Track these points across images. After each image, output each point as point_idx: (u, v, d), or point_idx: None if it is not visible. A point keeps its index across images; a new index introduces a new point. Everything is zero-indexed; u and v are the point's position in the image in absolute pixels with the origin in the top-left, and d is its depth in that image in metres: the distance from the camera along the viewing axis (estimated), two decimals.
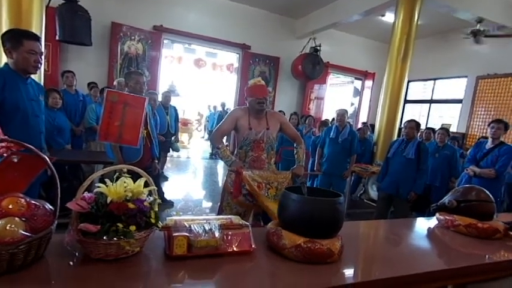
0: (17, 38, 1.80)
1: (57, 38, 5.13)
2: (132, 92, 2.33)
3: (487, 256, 1.40)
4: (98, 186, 0.96)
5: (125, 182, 0.98)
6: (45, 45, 3.44)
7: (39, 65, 1.89)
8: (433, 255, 1.42)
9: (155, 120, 3.82)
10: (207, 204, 4.57)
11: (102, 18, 5.77)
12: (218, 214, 2.29)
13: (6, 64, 1.87)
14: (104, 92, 2.91)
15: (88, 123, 3.91)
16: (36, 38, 1.87)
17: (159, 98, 4.61)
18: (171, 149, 5.03)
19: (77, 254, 0.92)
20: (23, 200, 0.88)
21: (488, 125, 3.26)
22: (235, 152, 2.32)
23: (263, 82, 2.28)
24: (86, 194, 0.95)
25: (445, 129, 4.27)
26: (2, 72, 1.83)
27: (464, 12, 5.45)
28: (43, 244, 0.86)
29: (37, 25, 3.22)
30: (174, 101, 5.37)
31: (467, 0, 5.29)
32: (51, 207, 0.93)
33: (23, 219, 0.84)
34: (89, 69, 5.81)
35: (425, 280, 1.16)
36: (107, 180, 0.97)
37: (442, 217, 1.71)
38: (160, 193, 3.98)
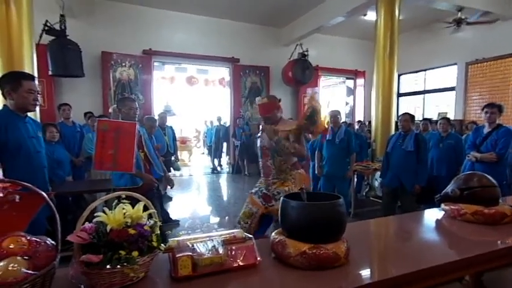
0: (16, 79, 1.91)
1: (50, 73, 5.23)
2: (126, 118, 2.37)
3: (499, 242, 1.39)
4: (97, 216, 0.96)
5: (123, 209, 0.98)
6: (39, 81, 3.51)
7: (38, 103, 2.00)
8: (445, 246, 1.40)
9: (152, 142, 3.88)
10: (214, 219, 4.54)
11: (91, 49, 5.89)
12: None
13: (5, 106, 1.96)
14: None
15: (86, 153, 3.93)
16: (33, 78, 2.00)
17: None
18: (172, 169, 5.03)
19: (82, 286, 0.91)
20: (23, 238, 0.87)
21: (482, 109, 3.27)
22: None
23: (265, 100, 2.33)
24: (87, 225, 0.95)
25: (446, 118, 4.26)
26: (2, 115, 1.92)
27: (443, 2, 5.56)
28: (47, 281, 0.85)
29: (29, 63, 3.30)
30: (170, 121, 5.42)
31: None
32: (53, 242, 0.93)
33: (25, 257, 0.83)
34: (84, 99, 5.89)
35: (443, 272, 1.15)
36: (105, 208, 0.97)
37: (447, 207, 1.69)
38: (164, 214, 3.96)
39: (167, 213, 4.09)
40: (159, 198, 3.22)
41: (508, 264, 1.41)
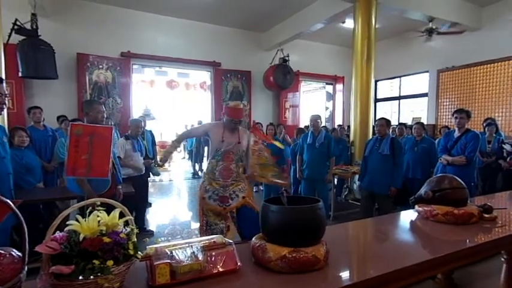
0: None
1: (20, 74, 4.96)
2: (94, 122, 2.30)
3: (467, 240, 1.46)
4: (70, 224, 0.91)
5: (98, 216, 0.94)
6: (7, 83, 3.32)
7: (5, 106, 1.90)
8: (419, 246, 1.46)
9: (139, 145, 3.79)
10: (195, 225, 4.45)
11: (66, 50, 5.66)
12: (199, 223, 2.65)
13: None
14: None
15: (59, 158, 3.75)
16: (1, 81, 1.89)
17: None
18: (151, 174, 4.90)
19: None
20: None
21: (452, 115, 3.45)
22: (208, 161, 2.61)
23: (242, 106, 2.58)
24: (58, 234, 0.90)
25: (420, 123, 4.44)
26: None
27: (415, 12, 5.85)
28: None
29: None
30: (150, 125, 5.27)
31: (417, 2, 5.70)
32: (19, 253, 0.88)
33: None
34: (57, 102, 5.64)
35: (417, 271, 1.19)
36: (78, 216, 0.93)
37: (421, 208, 1.77)
38: (140, 222, 3.86)
39: (143, 222, 3.99)
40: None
41: (476, 262, 1.49)
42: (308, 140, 4.04)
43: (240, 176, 2.56)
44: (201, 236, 2.48)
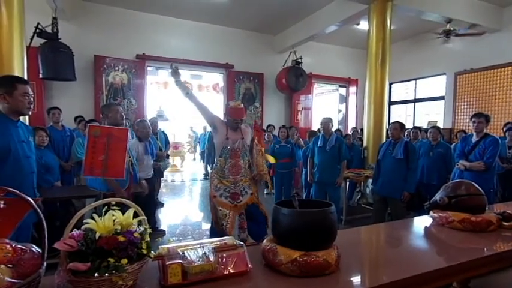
0: (11, 83, 1.90)
1: (40, 76, 5.15)
2: (113, 123, 2.40)
3: (485, 249, 1.41)
4: (86, 222, 0.94)
5: (113, 215, 0.97)
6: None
7: (32, 106, 1.99)
8: (434, 253, 1.42)
9: (151, 146, 3.83)
10: (206, 226, 4.49)
11: (84, 53, 5.84)
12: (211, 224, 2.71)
13: None
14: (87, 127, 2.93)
15: (76, 158, 3.86)
16: (27, 82, 2.00)
17: None
18: (161, 168, 4.96)
19: None
20: (8, 246, 0.85)
21: (470, 119, 3.35)
22: (216, 160, 2.65)
23: (242, 105, 2.66)
24: (75, 232, 0.93)
25: (436, 127, 4.33)
26: None
27: (433, 14, 5.72)
28: None
29: (19, 66, 3.25)
30: (164, 126, 5.36)
31: (434, 2, 5.57)
32: (38, 249, 0.91)
33: (10, 265, 0.82)
34: (74, 103, 5.81)
35: (431, 279, 1.16)
36: (94, 215, 0.95)
37: (436, 215, 1.72)
38: (152, 222, 3.90)
39: (155, 222, 4.04)
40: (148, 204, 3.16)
41: (494, 271, 1.44)
42: (319, 143, 4.01)
43: (247, 171, 2.65)
44: (217, 230, 2.60)
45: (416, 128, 5.22)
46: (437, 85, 7.76)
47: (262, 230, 2.65)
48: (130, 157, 2.58)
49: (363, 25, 6.47)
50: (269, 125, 6.91)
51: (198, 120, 11.88)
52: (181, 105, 12.58)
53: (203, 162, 9.15)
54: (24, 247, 0.88)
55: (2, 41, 3.09)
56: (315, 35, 6.86)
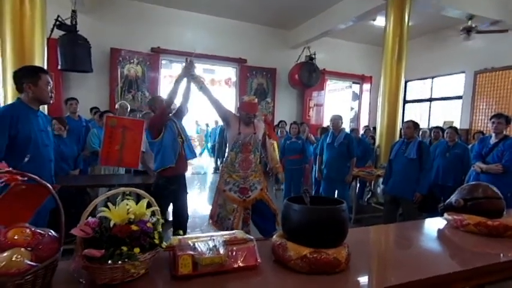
0: (35, 73, 1.98)
1: (59, 67, 5.27)
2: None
3: (501, 254, 1.37)
4: (101, 210, 0.97)
5: (127, 204, 0.99)
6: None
7: (53, 95, 2.08)
8: (446, 256, 1.39)
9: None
10: None
11: (101, 45, 5.94)
12: (210, 212, 2.73)
13: (18, 99, 2.01)
14: (103, 117, 3.01)
15: (91, 148, 3.95)
16: (48, 72, 2.09)
17: None
18: None
19: (83, 281, 0.92)
20: (28, 230, 0.89)
21: (490, 119, 3.23)
22: (227, 154, 2.68)
23: (256, 100, 2.65)
24: (90, 219, 0.96)
25: (454, 127, 4.21)
26: (15, 107, 1.97)
27: (453, 10, 5.52)
28: (49, 273, 0.86)
29: (39, 57, 3.32)
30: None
31: None
32: (56, 234, 0.94)
33: (29, 248, 0.85)
34: (90, 94, 5.94)
35: (442, 283, 1.14)
36: (109, 203, 0.98)
37: (450, 217, 1.68)
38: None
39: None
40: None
41: (510, 278, 1.40)
42: (328, 140, 3.97)
43: (258, 166, 2.65)
44: (211, 223, 2.69)
45: (438, 128, 5.06)
46: (455, 84, 7.53)
47: (271, 226, 2.65)
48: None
49: (379, 21, 6.31)
50: (281, 121, 6.88)
51: (205, 114, 11.99)
52: (193, 99, 12.70)
53: (213, 156, 9.23)
54: (42, 231, 0.91)
55: (25, 32, 3.16)
56: (329, 30, 6.75)
